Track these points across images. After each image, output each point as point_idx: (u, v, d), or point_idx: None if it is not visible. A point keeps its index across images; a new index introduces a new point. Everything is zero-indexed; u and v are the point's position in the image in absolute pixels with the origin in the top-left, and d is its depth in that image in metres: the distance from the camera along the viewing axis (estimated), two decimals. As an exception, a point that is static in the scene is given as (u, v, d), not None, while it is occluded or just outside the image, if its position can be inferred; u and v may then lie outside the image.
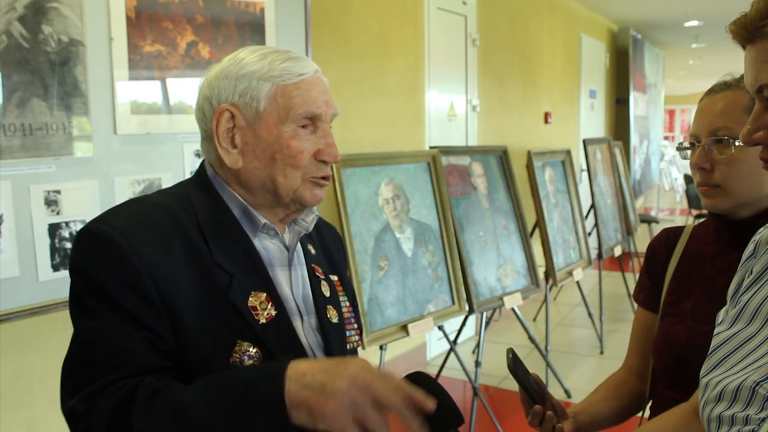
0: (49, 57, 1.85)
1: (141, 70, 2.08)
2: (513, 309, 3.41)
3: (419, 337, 3.63)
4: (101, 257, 0.92)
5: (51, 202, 1.88)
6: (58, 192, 1.89)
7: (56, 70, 1.86)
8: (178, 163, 2.20)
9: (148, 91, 2.11)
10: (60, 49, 1.87)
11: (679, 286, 1.28)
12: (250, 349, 0.95)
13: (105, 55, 1.98)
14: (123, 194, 2.03)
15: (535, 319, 5.13)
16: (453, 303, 3.05)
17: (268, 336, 0.97)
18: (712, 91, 1.20)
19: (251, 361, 0.95)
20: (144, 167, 2.11)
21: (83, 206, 1.94)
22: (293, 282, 1.07)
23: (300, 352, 1.02)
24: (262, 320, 0.98)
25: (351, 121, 3.39)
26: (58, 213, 1.89)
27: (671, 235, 1.35)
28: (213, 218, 1.01)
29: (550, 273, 3.88)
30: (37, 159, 1.83)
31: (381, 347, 2.67)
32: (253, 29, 2.43)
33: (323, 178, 1.05)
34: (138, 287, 0.91)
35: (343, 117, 3.30)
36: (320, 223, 1.24)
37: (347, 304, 1.19)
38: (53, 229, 1.88)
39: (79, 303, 0.93)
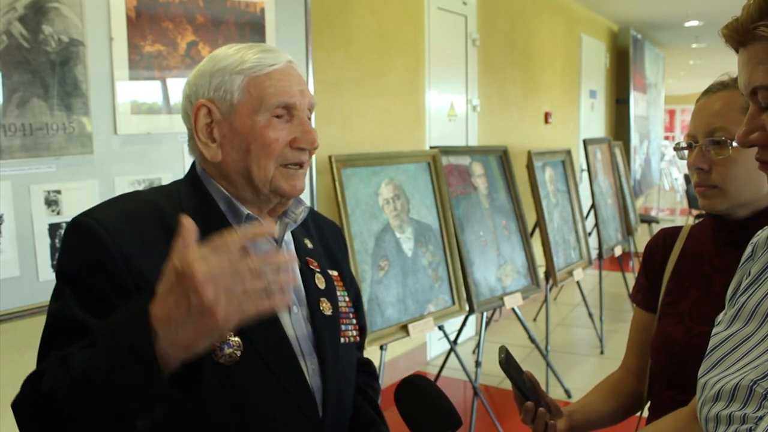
0: (50, 57, 1.85)
1: (141, 70, 2.08)
2: (513, 309, 3.41)
3: (419, 337, 3.62)
4: (82, 247, 0.95)
5: (51, 202, 1.88)
6: (59, 192, 1.90)
7: (56, 70, 1.86)
8: (178, 163, 2.20)
9: (148, 91, 2.12)
10: (60, 49, 1.87)
11: (677, 287, 1.28)
12: (231, 338, 0.96)
13: (105, 55, 1.99)
14: (123, 194, 2.03)
15: (535, 319, 5.13)
16: (453, 303, 3.05)
17: (249, 324, 0.98)
18: (709, 91, 1.20)
19: (231, 350, 0.96)
20: (144, 167, 2.11)
21: (83, 206, 1.91)
22: None
23: (283, 341, 1.03)
24: None
25: (351, 121, 3.39)
26: (58, 213, 1.89)
27: (669, 235, 1.35)
28: (198, 211, 1.02)
29: (550, 273, 3.87)
30: (37, 159, 1.84)
31: (381, 347, 2.67)
32: (253, 29, 2.43)
33: (298, 164, 1.05)
34: (114, 277, 0.92)
35: (343, 117, 3.31)
36: (320, 219, 1.26)
37: (346, 299, 1.19)
38: (53, 229, 1.89)
39: (55, 290, 0.96)
